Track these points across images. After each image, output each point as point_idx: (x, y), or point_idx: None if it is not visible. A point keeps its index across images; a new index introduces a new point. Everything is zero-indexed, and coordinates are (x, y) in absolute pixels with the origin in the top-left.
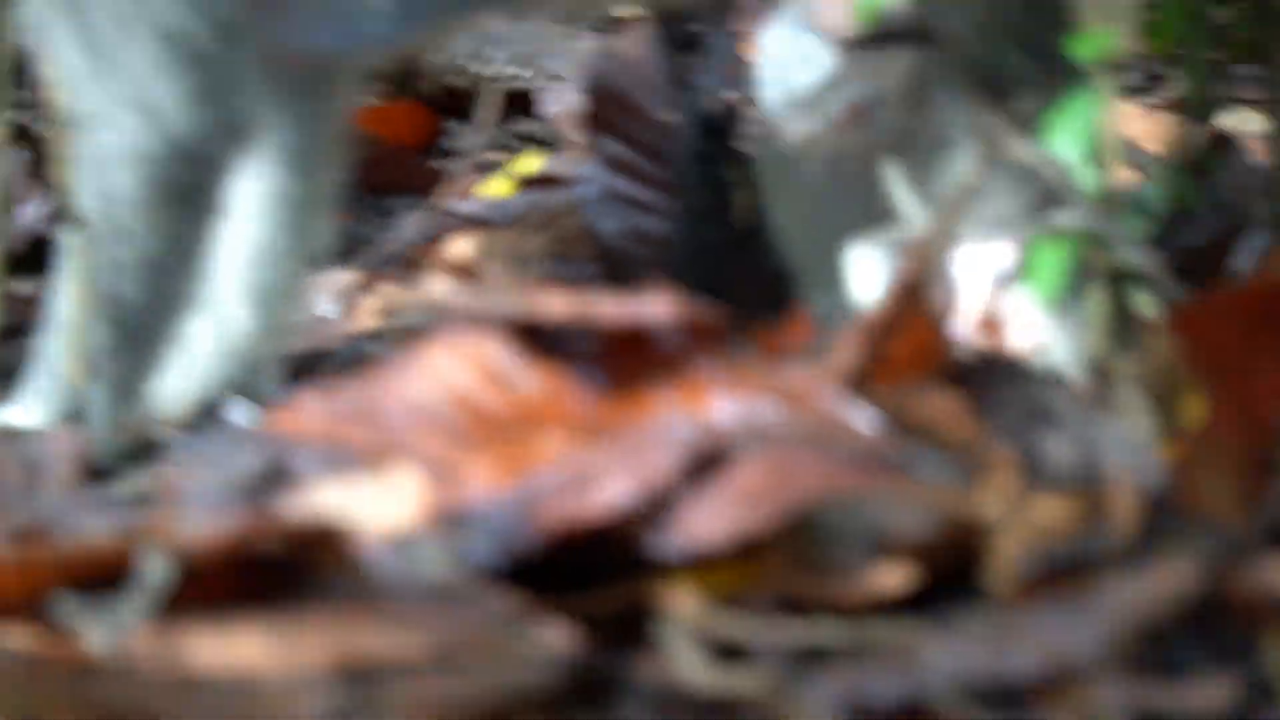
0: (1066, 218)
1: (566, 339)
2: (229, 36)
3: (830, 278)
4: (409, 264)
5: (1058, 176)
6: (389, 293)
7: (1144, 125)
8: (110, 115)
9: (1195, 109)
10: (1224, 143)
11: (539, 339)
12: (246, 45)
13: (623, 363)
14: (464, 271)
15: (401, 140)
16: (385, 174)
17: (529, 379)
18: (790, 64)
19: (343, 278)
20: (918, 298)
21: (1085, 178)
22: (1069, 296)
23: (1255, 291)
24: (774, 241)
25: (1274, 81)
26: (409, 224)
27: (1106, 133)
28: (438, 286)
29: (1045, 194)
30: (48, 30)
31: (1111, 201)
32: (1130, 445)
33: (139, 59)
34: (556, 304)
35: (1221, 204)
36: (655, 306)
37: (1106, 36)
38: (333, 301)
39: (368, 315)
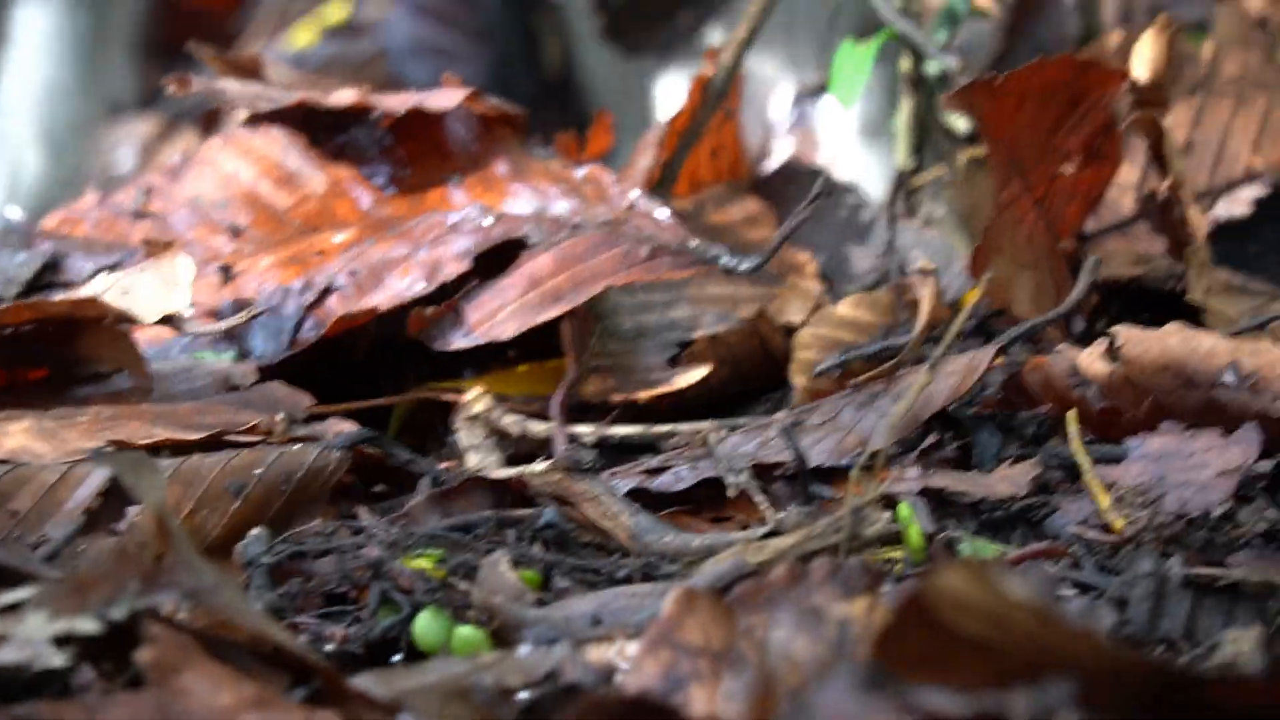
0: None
1: (356, 136)
2: None
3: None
4: (209, 116)
5: None
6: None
7: None
8: None
9: None
10: None
11: (326, 136)
12: None
13: (414, 157)
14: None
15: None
16: (190, 27)
17: (316, 175)
18: None
19: (142, 126)
20: (717, 103)
21: None
22: (877, 108)
23: (1035, 70)
24: (583, 88)
25: None
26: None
27: None
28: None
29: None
30: None
31: (918, 5)
32: (933, 248)
33: None
34: (342, 94)
35: (1039, 44)
36: (443, 97)
37: None
38: (132, 149)
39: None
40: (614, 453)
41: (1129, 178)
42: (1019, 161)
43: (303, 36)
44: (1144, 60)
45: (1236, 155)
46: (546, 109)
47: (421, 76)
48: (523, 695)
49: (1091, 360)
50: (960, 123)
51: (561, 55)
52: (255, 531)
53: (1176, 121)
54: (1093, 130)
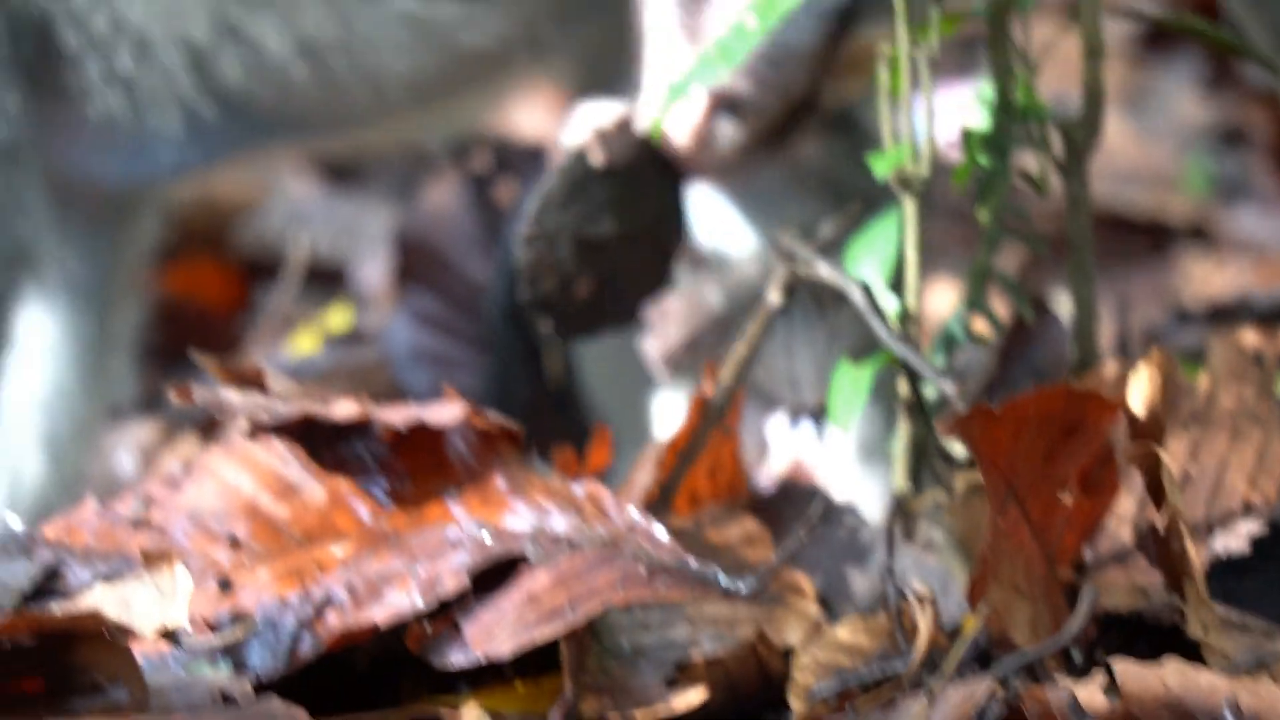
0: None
1: (356, 448)
2: (9, 159)
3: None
4: (209, 423)
5: (862, 302)
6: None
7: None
8: None
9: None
10: (1041, 308)
11: (326, 447)
12: (29, 170)
13: (414, 470)
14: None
15: (211, 302)
16: (193, 333)
17: (315, 487)
18: None
19: (142, 431)
20: (716, 422)
21: (889, 304)
22: (876, 430)
23: (1031, 400)
24: (584, 398)
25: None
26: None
27: (910, 259)
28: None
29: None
30: None
31: (916, 330)
32: (932, 572)
33: None
34: (343, 407)
35: (1036, 369)
36: (443, 411)
37: (900, 154)
38: (132, 454)
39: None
40: None
41: (1127, 508)
42: (1016, 489)
43: (305, 343)
44: (1140, 392)
45: (1233, 489)
46: (547, 418)
47: (423, 384)
48: None
49: (1091, 694)
50: (958, 448)
51: (563, 365)
52: None
53: (1173, 453)
54: (1090, 460)
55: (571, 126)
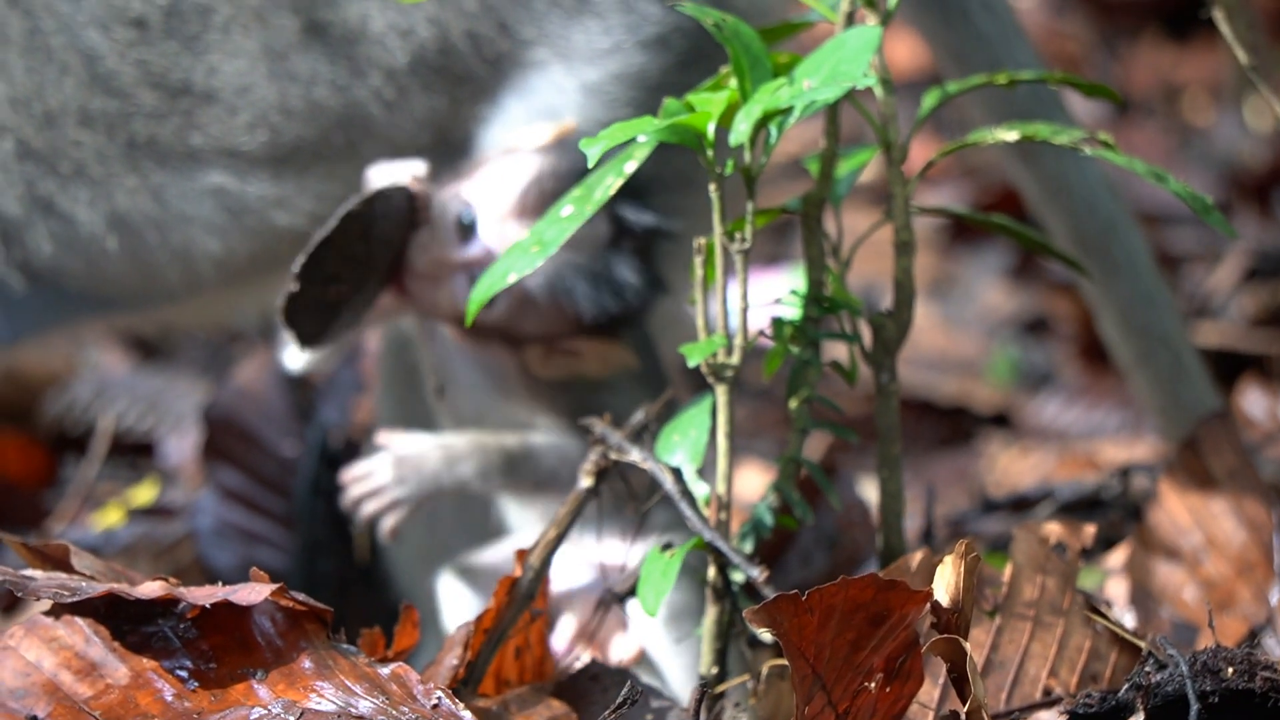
0: (678, 532)
1: (161, 627)
2: None
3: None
4: (8, 597)
5: (672, 487)
6: None
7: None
8: None
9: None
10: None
11: (131, 626)
12: None
13: (219, 650)
14: None
15: (17, 475)
16: None
17: (119, 666)
18: None
19: None
20: (524, 604)
21: (698, 489)
22: (680, 612)
23: (839, 589)
24: (391, 576)
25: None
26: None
27: (722, 446)
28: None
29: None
30: None
31: (728, 515)
32: None
33: None
34: (148, 587)
35: (830, 536)
36: (249, 591)
37: (712, 344)
38: None
39: None
40: None
41: (930, 695)
42: (822, 676)
43: (111, 515)
44: (946, 583)
45: (1035, 678)
46: (355, 596)
47: (230, 560)
48: None
49: None
50: (765, 632)
51: (370, 543)
52: None
53: (976, 642)
54: (895, 648)
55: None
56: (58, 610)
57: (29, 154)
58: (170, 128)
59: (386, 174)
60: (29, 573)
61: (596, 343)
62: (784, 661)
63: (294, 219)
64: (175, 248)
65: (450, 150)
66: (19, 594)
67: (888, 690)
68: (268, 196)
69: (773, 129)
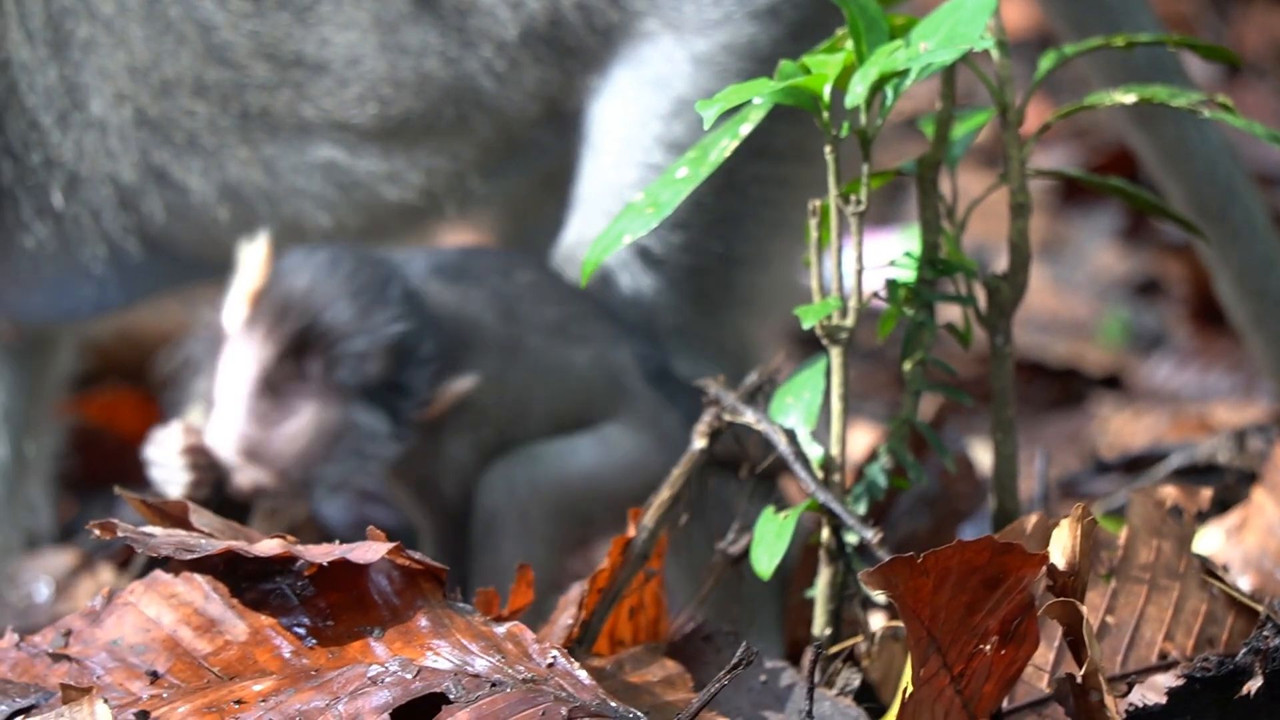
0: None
1: (278, 585)
2: None
3: None
4: (126, 552)
5: (786, 448)
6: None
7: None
8: None
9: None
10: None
11: (249, 583)
12: None
13: (336, 607)
14: None
15: (130, 432)
16: (111, 463)
17: (237, 623)
18: None
19: (58, 560)
20: (639, 564)
21: (813, 450)
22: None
23: (955, 552)
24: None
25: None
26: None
27: (836, 408)
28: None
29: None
30: None
31: (841, 477)
32: (850, 718)
33: None
34: (267, 544)
35: (932, 495)
36: (366, 550)
37: (827, 306)
38: (47, 583)
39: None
40: None
41: (1044, 658)
42: (937, 639)
43: None
44: (1062, 546)
45: (1151, 642)
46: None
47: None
48: None
49: None
50: (879, 594)
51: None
52: None
53: (1091, 605)
54: (1010, 611)
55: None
56: (176, 567)
57: (145, 122)
58: (282, 99)
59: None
60: (149, 529)
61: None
62: (897, 623)
63: (403, 193)
64: (285, 219)
65: (561, 122)
66: (139, 550)
67: (1002, 653)
68: (377, 170)
69: (889, 91)
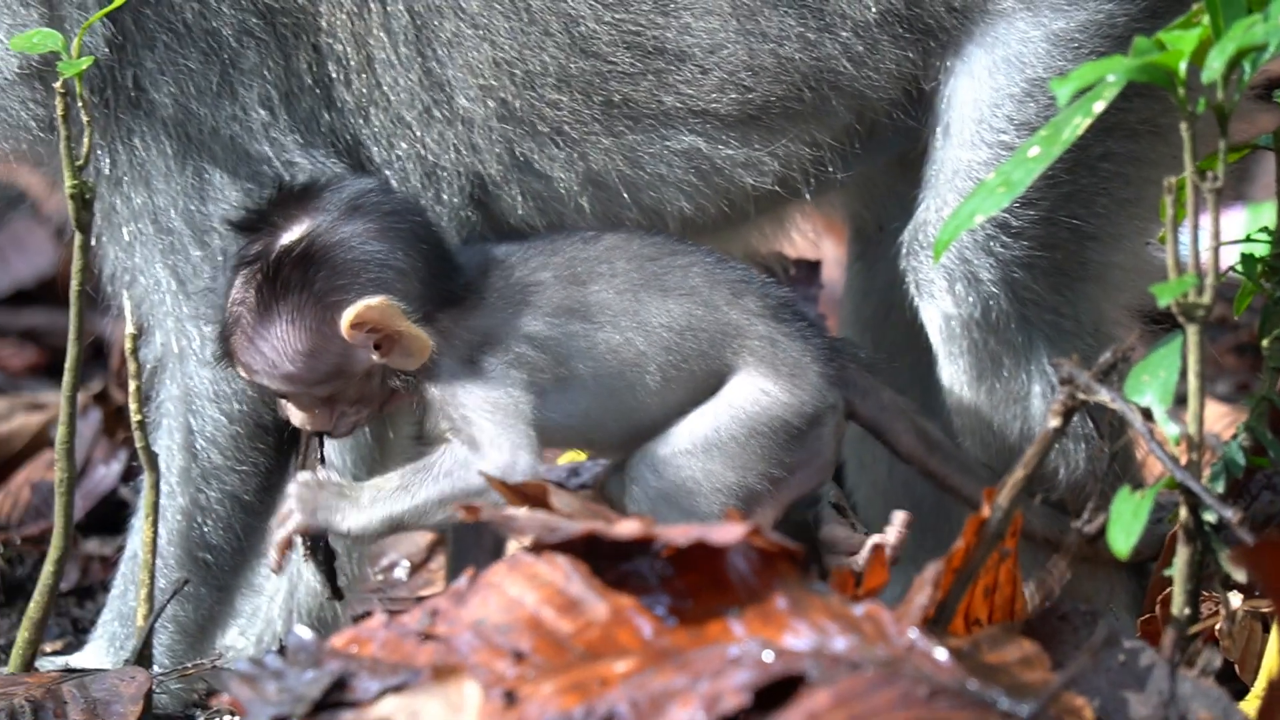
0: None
1: (637, 566)
2: None
3: None
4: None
5: (1142, 426)
6: None
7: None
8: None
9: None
10: None
11: (608, 564)
12: None
13: (694, 588)
14: None
15: None
16: None
17: (598, 603)
18: None
19: (417, 538)
20: (994, 543)
21: (1169, 429)
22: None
23: None
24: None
25: None
26: None
27: (1193, 386)
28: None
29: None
30: (144, 267)
31: (1199, 456)
32: (1213, 699)
33: None
34: (626, 525)
35: None
36: (724, 531)
37: (1183, 284)
38: (404, 560)
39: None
40: None
41: None
42: None
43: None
44: None
45: None
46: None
47: None
48: None
49: None
50: (1239, 572)
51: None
52: None
53: None
54: None
55: None
56: (537, 548)
57: (510, 115)
58: (644, 88)
59: None
60: (512, 511)
61: None
62: (1258, 603)
63: (761, 179)
64: (645, 207)
65: (917, 104)
66: (506, 531)
67: None
68: (736, 157)
69: (1246, 66)
